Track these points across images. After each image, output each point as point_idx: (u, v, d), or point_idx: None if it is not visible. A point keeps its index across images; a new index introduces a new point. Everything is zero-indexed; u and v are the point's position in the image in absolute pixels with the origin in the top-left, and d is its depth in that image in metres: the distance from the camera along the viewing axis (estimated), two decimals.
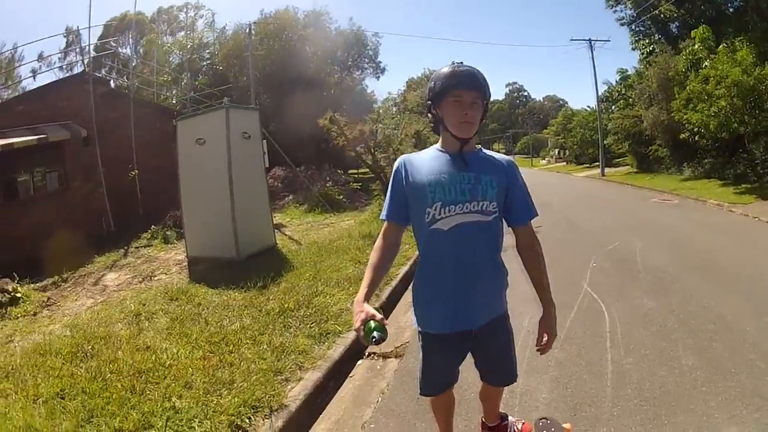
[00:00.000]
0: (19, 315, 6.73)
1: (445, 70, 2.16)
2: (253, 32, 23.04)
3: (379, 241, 2.32)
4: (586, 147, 45.26)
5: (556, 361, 4.08)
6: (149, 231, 11.80)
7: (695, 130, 18.40)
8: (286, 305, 5.47)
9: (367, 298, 2.11)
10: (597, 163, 35.38)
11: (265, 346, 4.34)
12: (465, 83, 2.11)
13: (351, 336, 4.70)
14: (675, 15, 27.18)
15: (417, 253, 2.37)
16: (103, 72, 21.57)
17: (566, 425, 2.88)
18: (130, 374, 3.96)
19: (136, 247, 10.85)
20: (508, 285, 2.37)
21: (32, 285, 8.15)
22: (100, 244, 10.95)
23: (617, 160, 36.99)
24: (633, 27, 31.54)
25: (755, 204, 12.85)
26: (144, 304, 6.02)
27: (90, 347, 4.66)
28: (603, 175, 31.01)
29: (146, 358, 4.24)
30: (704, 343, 4.27)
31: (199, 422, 3.19)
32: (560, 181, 32.46)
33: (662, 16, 27.80)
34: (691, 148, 21.63)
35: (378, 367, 4.36)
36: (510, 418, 2.89)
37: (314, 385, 3.79)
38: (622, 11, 32.08)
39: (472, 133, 2.16)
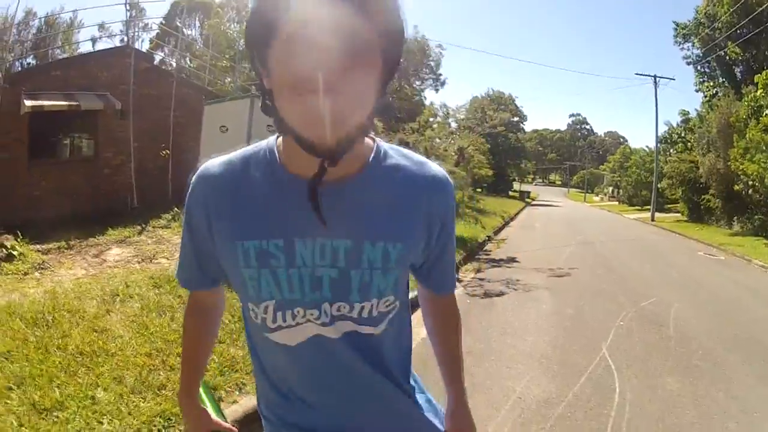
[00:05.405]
0: (10, 272, 6.67)
1: None
2: None
3: (187, 306, 1.32)
4: (640, 188, 44.93)
5: None
6: (171, 212, 11.62)
7: (750, 182, 17.61)
8: None
9: (193, 392, 1.32)
10: (648, 207, 34.81)
11: (215, 357, 3.98)
12: None
13: None
14: (740, 58, 26.48)
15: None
16: (166, 50, 21.94)
17: None
18: (72, 353, 3.87)
19: (154, 227, 10.69)
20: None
21: (36, 246, 8.08)
22: (120, 218, 10.84)
23: (669, 205, 36.20)
24: (699, 67, 31.16)
25: None
26: (127, 286, 5.83)
27: (52, 317, 4.60)
28: (653, 220, 30.16)
29: (95, 341, 4.11)
30: None
31: (109, 420, 2.98)
32: (609, 220, 31.78)
33: (728, 58, 27.23)
34: (743, 201, 20.92)
35: None
36: None
37: (244, 413, 3.31)
38: (689, 49, 31.68)
39: (341, 127, 0.84)
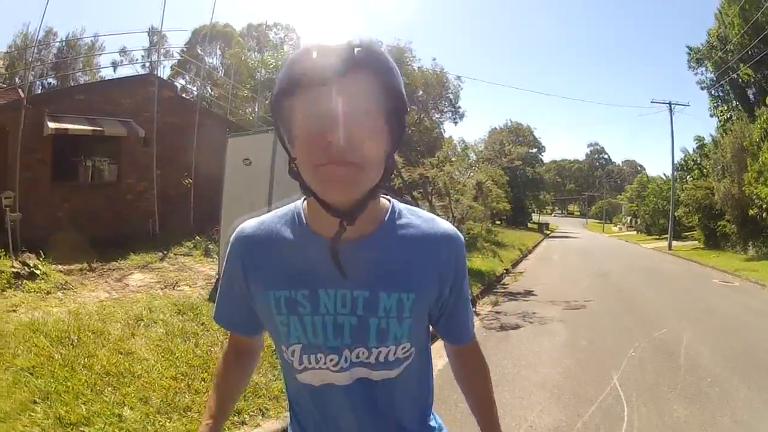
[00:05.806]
0: (33, 290, 6.84)
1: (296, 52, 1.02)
2: None
3: (225, 347, 1.42)
4: (657, 217, 44.76)
5: None
6: (192, 240, 11.81)
7: (764, 206, 17.44)
8: None
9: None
10: (666, 235, 34.22)
11: None
12: (325, 68, 0.92)
13: None
14: (752, 80, 26.34)
15: None
16: (187, 78, 22.30)
17: None
18: (99, 372, 3.99)
19: (175, 254, 10.84)
20: None
21: (58, 266, 8.23)
22: (141, 243, 10.96)
23: (686, 233, 35.79)
24: (712, 91, 30.85)
25: None
26: (151, 311, 5.94)
27: (77, 337, 4.72)
28: (670, 248, 29.89)
29: (121, 362, 4.22)
30: None
31: None
32: (626, 250, 31.50)
33: (740, 80, 27.03)
34: (758, 225, 20.72)
35: None
36: None
37: None
38: (703, 74, 31.54)
39: (354, 191, 1.00)
